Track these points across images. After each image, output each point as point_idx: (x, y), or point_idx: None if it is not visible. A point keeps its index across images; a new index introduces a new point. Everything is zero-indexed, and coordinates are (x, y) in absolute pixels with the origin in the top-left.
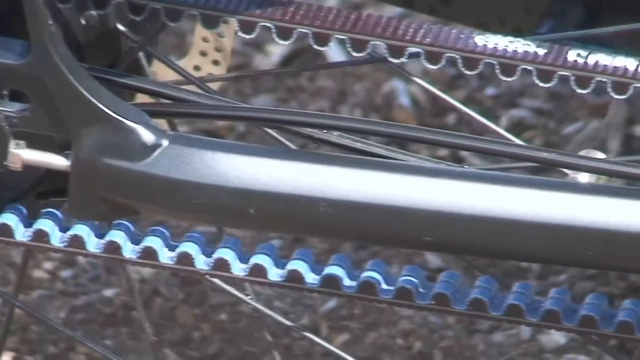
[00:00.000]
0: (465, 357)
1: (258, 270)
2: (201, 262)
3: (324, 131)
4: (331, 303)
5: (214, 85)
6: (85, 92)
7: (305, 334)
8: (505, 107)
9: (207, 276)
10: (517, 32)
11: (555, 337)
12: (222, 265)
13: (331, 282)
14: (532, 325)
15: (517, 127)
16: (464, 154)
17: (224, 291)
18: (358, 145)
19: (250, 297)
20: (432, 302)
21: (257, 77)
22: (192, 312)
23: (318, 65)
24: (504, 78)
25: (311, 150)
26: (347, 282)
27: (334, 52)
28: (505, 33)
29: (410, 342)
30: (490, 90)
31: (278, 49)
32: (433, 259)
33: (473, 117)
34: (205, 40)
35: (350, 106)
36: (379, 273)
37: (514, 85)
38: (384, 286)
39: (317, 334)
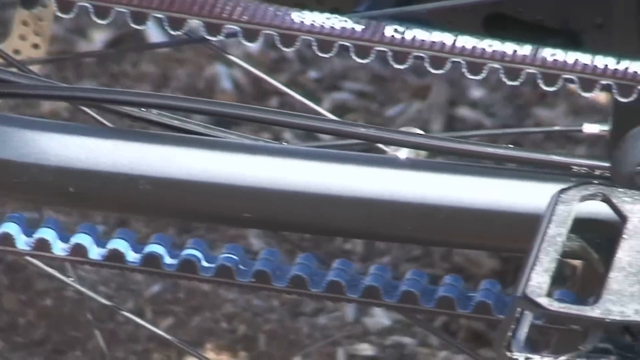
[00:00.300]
0: (290, 340)
1: (79, 250)
2: (22, 243)
3: (143, 110)
4: (156, 287)
5: (35, 69)
6: None
7: (128, 315)
8: (327, 90)
9: (28, 257)
10: (336, 12)
11: (380, 319)
12: (42, 245)
13: (152, 261)
14: (353, 302)
15: (339, 110)
16: (287, 136)
17: (47, 275)
18: (176, 123)
19: (72, 279)
20: (253, 280)
21: (81, 63)
22: (17, 297)
23: (137, 46)
24: (321, 54)
25: (130, 129)
26: (167, 260)
27: (156, 36)
28: (323, 11)
29: (235, 325)
30: (312, 73)
31: (101, 35)
32: (257, 242)
33: (296, 100)
34: (24, 24)
35: (173, 90)
36: (200, 251)
37: (336, 68)
38: (205, 264)
39: (142, 317)
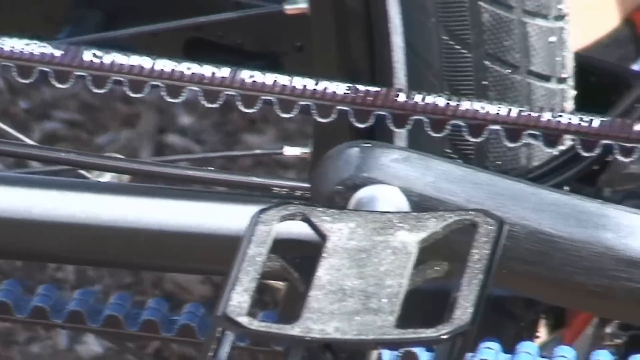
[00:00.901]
0: None
1: None
2: None
3: None
4: None
5: None
6: None
7: None
8: (38, 120)
9: None
10: (37, 38)
11: (92, 347)
12: None
13: None
14: (58, 327)
15: (50, 139)
16: None
17: None
18: None
19: None
20: None
21: None
22: None
23: None
24: (21, 80)
25: None
26: None
27: None
28: (23, 37)
29: None
30: (23, 104)
31: None
32: None
33: (6, 131)
34: None
35: None
36: None
37: (47, 98)
38: None
39: None
